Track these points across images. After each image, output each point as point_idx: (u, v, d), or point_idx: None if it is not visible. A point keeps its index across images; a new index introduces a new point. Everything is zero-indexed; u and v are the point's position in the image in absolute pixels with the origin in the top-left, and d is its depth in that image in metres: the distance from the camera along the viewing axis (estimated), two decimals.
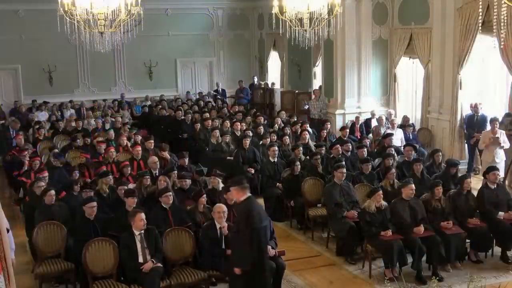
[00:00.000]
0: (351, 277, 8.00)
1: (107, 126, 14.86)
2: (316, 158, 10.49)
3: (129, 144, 12.33)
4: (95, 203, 7.63)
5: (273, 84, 19.99)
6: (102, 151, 11.50)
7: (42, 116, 16.78)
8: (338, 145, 11.08)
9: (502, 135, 10.92)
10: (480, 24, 11.24)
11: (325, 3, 10.17)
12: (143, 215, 7.05)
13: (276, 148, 11.35)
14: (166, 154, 11.33)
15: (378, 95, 15.63)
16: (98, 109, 17.94)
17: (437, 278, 7.26)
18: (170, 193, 7.96)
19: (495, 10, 6.40)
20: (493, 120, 11.11)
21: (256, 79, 20.98)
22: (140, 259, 6.94)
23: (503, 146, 10.89)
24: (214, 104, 18.41)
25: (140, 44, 18.45)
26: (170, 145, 12.28)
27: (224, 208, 7.43)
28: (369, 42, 15.25)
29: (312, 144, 12.32)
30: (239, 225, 6.47)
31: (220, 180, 9.21)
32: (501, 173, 10.65)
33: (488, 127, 11.96)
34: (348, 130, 13.25)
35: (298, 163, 10.22)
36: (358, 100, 15.47)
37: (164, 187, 8.29)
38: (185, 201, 8.60)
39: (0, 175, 13.84)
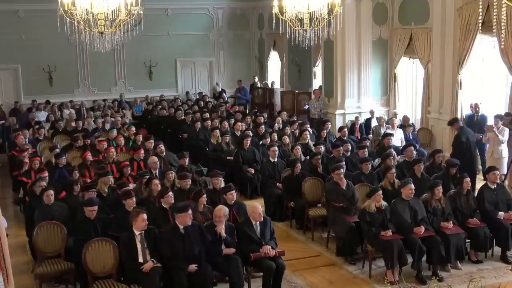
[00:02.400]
0: (351, 277, 7.99)
1: (107, 126, 14.86)
2: (316, 158, 10.49)
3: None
4: (96, 207, 7.57)
5: (273, 84, 19.97)
6: (103, 150, 11.50)
7: (42, 116, 16.79)
8: (341, 147, 11.03)
9: (503, 131, 11.01)
10: (480, 24, 11.23)
11: (325, 3, 10.16)
12: (145, 216, 7.04)
13: (276, 148, 11.35)
14: (162, 147, 11.34)
15: (378, 95, 15.63)
16: (98, 109, 17.94)
17: (437, 278, 7.27)
18: (171, 193, 7.97)
19: (495, 10, 6.39)
20: (496, 117, 11.27)
21: (256, 79, 20.97)
22: (140, 259, 6.93)
23: (502, 140, 10.98)
24: (216, 102, 18.41)
25: (140, 44, 18.44)
26: (169, 146, 12.27)
27: (224, 211, 7.41)
28: (369, 42, 15.25)
29: (312, 144, 12.30)
30: None
31: (222, 180, 9.19)
32: (504, 170, 10.75)
33: None
34: (346, 131, 13.22)
35: (299, 163, 10.22)
36: (358, 100, 15.46)
37: (165, 188, 8.28)
38: (185, 201, 8.58)
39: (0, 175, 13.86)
